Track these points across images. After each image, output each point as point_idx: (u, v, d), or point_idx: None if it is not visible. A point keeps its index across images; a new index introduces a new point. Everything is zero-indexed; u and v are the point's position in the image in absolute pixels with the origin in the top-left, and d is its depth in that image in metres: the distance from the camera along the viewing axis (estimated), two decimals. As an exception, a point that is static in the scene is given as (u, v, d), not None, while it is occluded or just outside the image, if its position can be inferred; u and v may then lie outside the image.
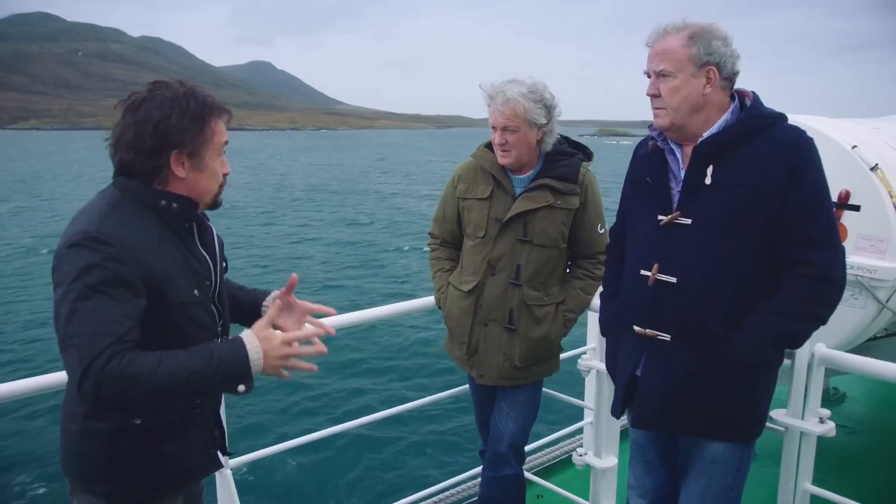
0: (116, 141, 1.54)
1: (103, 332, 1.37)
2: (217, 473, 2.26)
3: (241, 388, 1.49)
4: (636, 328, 1.99)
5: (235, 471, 2.32)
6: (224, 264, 1.80)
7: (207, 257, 1.70)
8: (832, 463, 2.51)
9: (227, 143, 1.65)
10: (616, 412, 2.17)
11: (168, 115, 1.50)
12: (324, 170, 56.26)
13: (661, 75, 1.86)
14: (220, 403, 1.87)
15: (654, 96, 1.89)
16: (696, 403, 1.91)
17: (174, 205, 1.57)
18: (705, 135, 1.87)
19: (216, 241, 1.76)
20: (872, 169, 3.15)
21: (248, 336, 1.51)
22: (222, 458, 1.94)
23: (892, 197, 3.13)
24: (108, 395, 1.35)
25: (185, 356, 1.43)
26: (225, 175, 1.67)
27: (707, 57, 1.82)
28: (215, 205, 1.68)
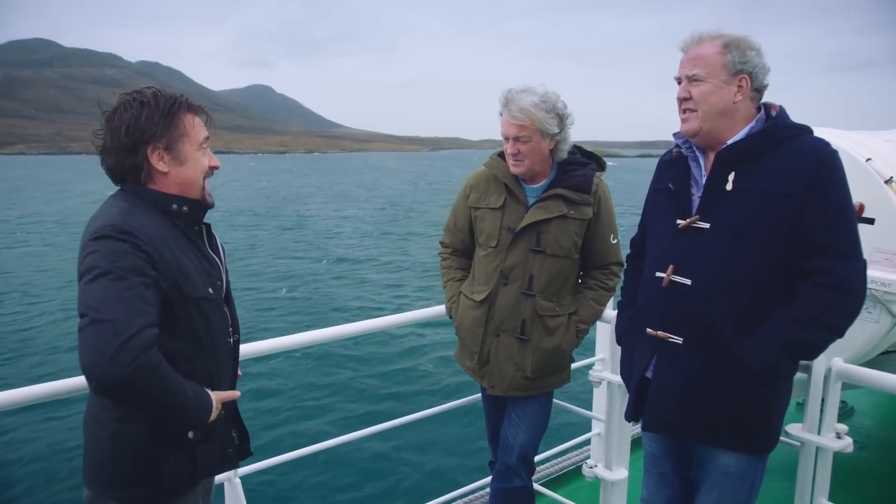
0: (101, 150, 1.65)
1: (140, 312, 1.41)
2: (226, 481, 2.25)
3: (191, 434, 1.65)
4: (648, 330, 1.99)
5: (244, 479, 2.30)
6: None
7: (217, 259, 1.79)
8: (845, 478, 2.48)
9: (207, 138, 1.74)
10: (629, 416, 2.16)
11: (138, 115, 1.62)
12: (267, 193, 54.56)
13: (693, 80, 1.87)
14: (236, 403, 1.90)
15: (685, 99, 1.90)
16: (706, 407, 1.89)
17: (185, 208, 1.68)
18: (729, 142, 1.87)
19: (220, 247, 1.85)
20: (887, 182, 3.13)
21: (213, 396, 1.64)
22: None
23: (906, 210, 3.11)
24: (137, 380, 1.37)
25: (184, 381, 1.53)
26: (213, 168, 1.76)
27: (741, 65, 1.84)
28: (205, 202, 1.75)
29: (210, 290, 1.68)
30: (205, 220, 1.79)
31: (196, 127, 1.70)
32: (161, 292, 1.52)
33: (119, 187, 1.68)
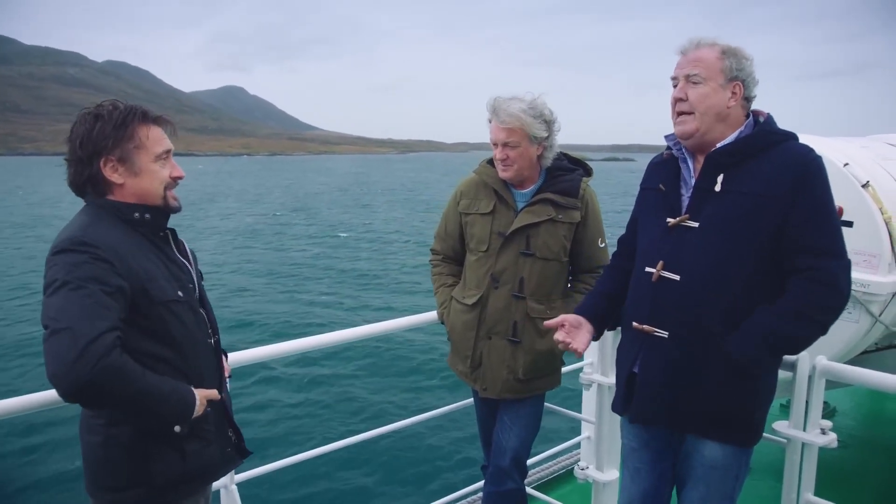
0: (66, 161, 1.69)
1: (99, 317, 1.43)
2: (223, 488, 2.26)
3: (178, 428, 1.67)
4: (634, 324, 2.04)
5: (241, 485, 2.31)
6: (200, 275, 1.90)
7: (186, 263, 1.82)
8: (829, 476, 2.54)
9: (169, 150, 1.75)
10: (618, 409, 2.20)
11: (91, 128, 1.64)
12: (180, 195, 52.75)
13: (691, 81, 1.93)
14: (229, 404, 1.92)
15: (680, 100, 1.96)
16: (690, 399, 1.95)
17: (147, 215, 1.70)
18: (719, 145, 1.94)
19: (189, 252, 1.88)
20: (864, 186, 3.22)
21: (196, 393, 1.67)
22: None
23: (882, 213, 3.20)
24: (102, 383, 1.39)
25: (158, 378, 1.55)
26: (176, 178, 1.77)
27: (737, 72, 1.91)
28: (169, 207, 1.76)
29: (180, 292, 1.71)
30: (169, 226, 1.81)
31: (153, 138, 1.71)
32: (127, 298, 1.54)
33: (84, 201, 1.71)
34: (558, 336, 2.19)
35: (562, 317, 2.23)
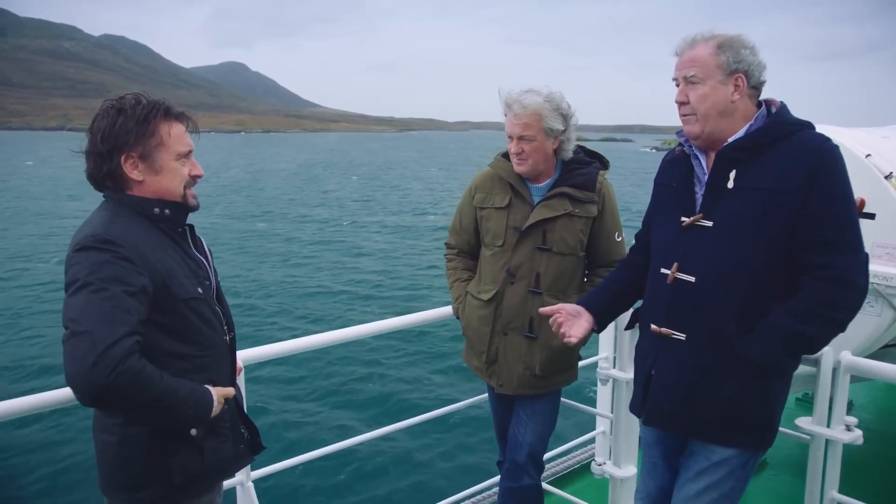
0: (85, 154, 1.66)
1: (119, 321, 1.42)
2: (238, 485, 2.26)
3: (194, 431, 1.66)
4: (652, 326, 2.00)
5: (257, 482, 2.30)
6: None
7: (203, 259, 1.81)
8: (850, 471, 2.50)
9: (190, 151, 1.73)
10: (636, 410, 2.17)
11: (113, 122, 1.62)
12: None
13: (690, 82, 1.88)
14: (242, 400, 1.93)
15: (683, 103, 1.91)
16: (707, 404, 1.90)
17: (166, 211, 1.69)
18: (729, 140, 1.89)
19: (206, 248, 1.87)
20: (887, 177, 3.17)
21: (213, 392, 1.67)
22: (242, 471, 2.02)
23: (906, 205, 3.15)
24: (120, 388, 1.38)
25: (176, 381, 1.54)
26: (196, 176, 1.76)
27: (736, 65, 1.85)
28: (188, 205, 1.76)
29: (199, 289, 1.71)
30: (188, 222, 1.79)
31: (175, 136, 1.69)
32: (149, 297, 1.53)
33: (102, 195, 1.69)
34: (555, 320, 2.19)
35: (560, 305, 2.23)
